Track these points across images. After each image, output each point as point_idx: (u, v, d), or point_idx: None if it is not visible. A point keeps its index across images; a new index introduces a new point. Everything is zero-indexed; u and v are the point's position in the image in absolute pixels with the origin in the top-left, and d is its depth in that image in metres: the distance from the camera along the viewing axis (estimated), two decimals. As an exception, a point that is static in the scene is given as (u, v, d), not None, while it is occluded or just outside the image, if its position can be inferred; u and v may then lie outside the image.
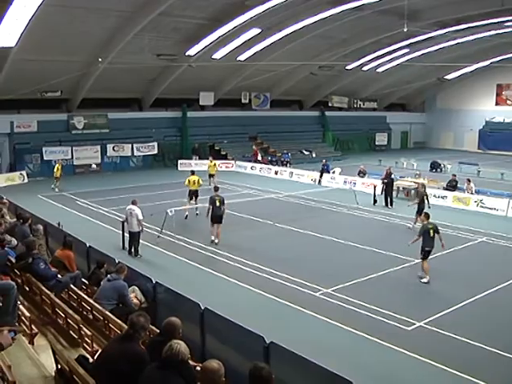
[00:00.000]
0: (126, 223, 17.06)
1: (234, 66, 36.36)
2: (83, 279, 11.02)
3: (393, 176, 25.70)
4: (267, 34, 31.51)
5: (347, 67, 41.17)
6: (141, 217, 16.57)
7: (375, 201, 25.18)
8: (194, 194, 22.42)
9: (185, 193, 22.95)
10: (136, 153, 37.74)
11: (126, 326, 6.55)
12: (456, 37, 35.55)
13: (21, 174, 32.26)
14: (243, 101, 43.63)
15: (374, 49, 38.56)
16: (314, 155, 42.81)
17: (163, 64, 34.57)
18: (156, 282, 10.12)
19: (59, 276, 10.06)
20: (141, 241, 16.88)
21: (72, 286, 9.91)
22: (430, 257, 14.44)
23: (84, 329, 7.58)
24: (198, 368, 5.76)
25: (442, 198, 25.11)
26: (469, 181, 26.28)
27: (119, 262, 10.70)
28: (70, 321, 7.91)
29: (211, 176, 28.19)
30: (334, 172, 32.61)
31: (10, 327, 5.77)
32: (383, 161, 38.70)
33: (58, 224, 16.10)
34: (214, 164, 29.29)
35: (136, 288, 10.19)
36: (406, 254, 16.12)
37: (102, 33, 28.41)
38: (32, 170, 33.72)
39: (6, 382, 5.19)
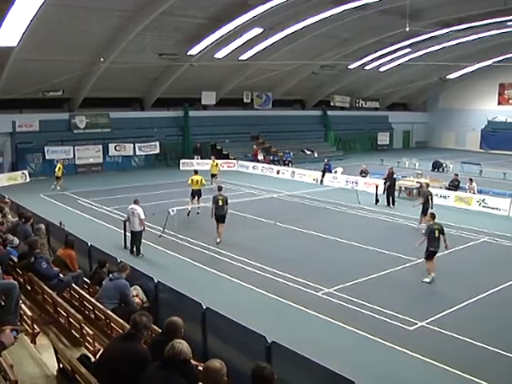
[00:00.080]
0: (127, 222, 17.07)
1: (236, 66, 36.36)
2: (85, 278, 11.02)
3: (395, 176, 25.67)
4: (269, 33, 31.52)
5: (349, 67, 41.18)
6: (143, 216, 16.57)
7: (377, 200, 25.15)
8: (196, 194, 22.43)
9: (186, 192, 22.95)
10: (138, 152, 37.80)
11: (127, 326, 6.55)
12: (458, 36, 35.51)
13: (23, 173, 32.32)
14: (245, 100, 43.61)
15: (375, 48, 38.52)
16: (315, 155, 42.79)
17: (165, 63, 34.59)
18: (158, 282, 10.11)
19: (61, 275, 10.05)
20: (142, 240, 16.88)
21: (74, 285, 9.91)
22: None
23: (86, 328, 7.57)
24: (200, 367, 5.74)
25: (444, 197, 25.05)
26: (471, 180, 26.24)
27: (121, 261, 10.69)
28: (71, 320, 7.91)
29: (213, 176, 28.24)
30: (335, 172, 32.61)
31: (12, 326, 5.75)
32: (385, 160, 38.65)
33: (60, 223, 16.12)
34: (217, 164, 29.31)
35: (138, 287, 10.18)
36: (409, 253, 16.12)
37: (103, 32, 28.43)
38: (34, 169, 33.79)
39: (9, 381, 5.19)
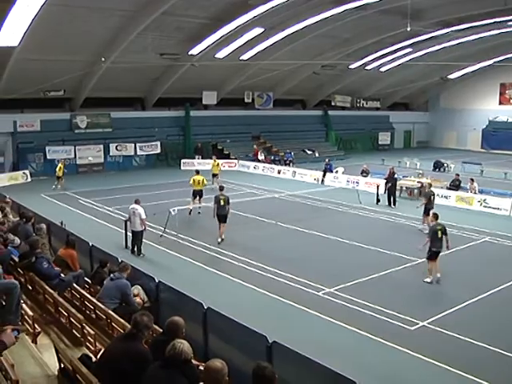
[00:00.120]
0: (128, 222, 17.08)
1: (237, 66, 36.35)
2: (86, 278, 11.03)
3: (396, 176, 25.66)
4: (270, 33, 31.54)
5: (350, 66, 41.17)
6: (144, 216, 16.58)
7: (378, 200, 25.13)
8: (198, 194, 22.44)
9: (187, 192, 22.96)
10: (139, 152, 37.82)
11: (128, 325, 6.55)
12: (459, 36, 35.49)
13: (24, 173, 32.33)
14: (246, 100, 43.60)
15: (376, 48, 38.51)
16: (316, 154, 42.78)
17: (166, 63, 34.61)
18: (159, 282, 10.11)
19: (62, 275, 10.05)
20: (143, 240, 16.89)
21: (75, 285, 9.92)
22: (434, 257, 14.42)
23: (87, 328, 7.58)
24: (201, 367, 5.74)
25: (446, 197, 25.04)
26: (472, 180, 26.21)
27: (122, 261, 10.69)
28: (72, 320, 7.91)
29: (215, 175, 28.24)
30: (337, 171, 32.59)
31: (13, 326, 5.76)
32: (386, 160, 38.65)
33: (61, 223, 16.12)
34: (218, 164, 29.31)
35: (139, 287, 10.18)
36: (410, 253, 16.12)
37: (104, 32, 28.44)
38: (35, 169, 33.81)
39: (10, 381, 5.18)
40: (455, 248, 16.01)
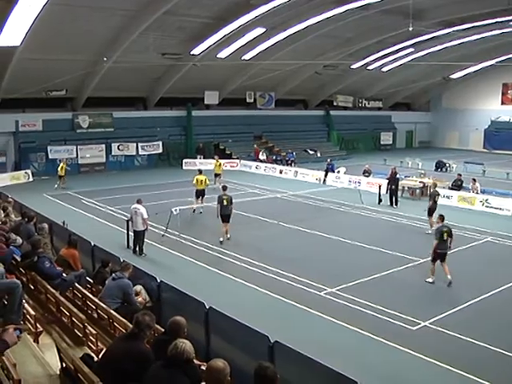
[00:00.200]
0: (130, 222, 17.08)
1: (239, 65, 36.34)
2: (88, 278, 11.04)
3: (398, 176, 25.64)
4: (272, 33, 31.53)
5: (352, 66, 41.15)
6: (146, 216, 16.59)
7: (380, 200, 25.11)
8: (200, 194, 22.46)
9: (189, 192, 23.00)
10: (141, 152, 37.84)
11: (130, 325, 6.55)
12: (461, 36, 35.42)
13: (26, 172, 32.36)
14: (248, 100, 43.59)
15: (378, 48, 38.50)
16: (318, 154, 42.75)
17: (168, 63, 34.62)
18: (161, 281, 10.11)
19: (64, 275, 10.06)
20: (145, 240, 16.91)
21: (77, 284, 9.93)
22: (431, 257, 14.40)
23: (89, 327, 7.58)
24: (203, 367, 5.74)
25: (448, 197, 24.99)
26: (474, 180, 26.18)
27: (124, 261, 10.69)
28: (74, 319, 7.92)
29: (217, 175, 28.25)
30: (338, 171, 32.55)
31: (15, 326, 5.77)
32: (388, 160, 38.63)
33: (63, 223, 16.14)
34: (220, 164, 29.31)
35: (141, 287, 10.19)
36: (412, 253, 16.14)
37: (106, 32, 28.45)
38: (37, 168, 33.83)
39: (12, 380, 5.19)
40: (457, 248, 15.99)
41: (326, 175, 31.77)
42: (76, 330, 7.84)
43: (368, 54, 39.22)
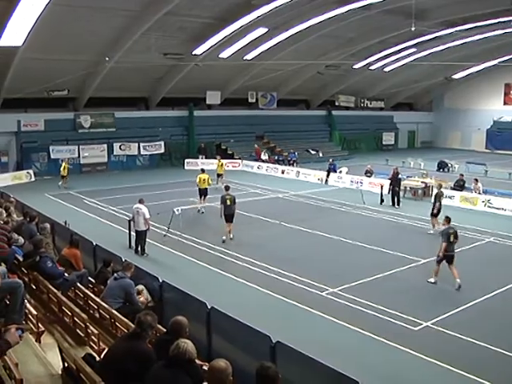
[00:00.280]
0: (132, 222, 17.09)
1: (241, 66, 36.36)
2: (90, 278, 11.04)
3: (400, 176, 25.62)
4: (273, 33, 31.53)
5: (354, 66, 41.16)
6: (148, 215, 16.60)
7: (382, 200, 25.10)
8: (202, 193, 22.48)
9: (191, 192, 23.07)
10: (143, 152, 37.85)
11: (132, 325, 6.56)
12: (463, 36, 35.39)
13: (28, 172, 32.42)
14: (250, 100, 43.61)
15: (380, 48, 38.49)
16: (320, 155, 42.74)
17: (170, 63, 34.64)
18: (163, 281, 10.11)
19: (66, 274, 10.07)
20: (147, 239, 16.92)
21: (79, 284, 9.94)
22: (434, 257, 14.36)
23: (91, 327, 7.59)
24: (205, 367, 5.75)
25: (450, 197, 24.94)
26: (476, 181, 26.12)
27: (126, 261, 10.70)
28: (76, 319, 7.92)
29: (219, 175, 28.27)
30: (340, 171, 32.56)
31: (17, 325, 5.76)
32: (390, 160, 38.58)
33: (65, 222, 16.15)
34: (222, 164, 29.33)
35: (143, 287, 10.19)
36: (414, 254, 16.13)
37: (108, 32, 28.48)
38: (39, 168, 33.90)
39: (13, 380, 5.20)
40: (460, 248, 15.93)
41: (327, 175, 31.77)
42: (78, 330, 7.85)
43: (370, 54, 39.22)
